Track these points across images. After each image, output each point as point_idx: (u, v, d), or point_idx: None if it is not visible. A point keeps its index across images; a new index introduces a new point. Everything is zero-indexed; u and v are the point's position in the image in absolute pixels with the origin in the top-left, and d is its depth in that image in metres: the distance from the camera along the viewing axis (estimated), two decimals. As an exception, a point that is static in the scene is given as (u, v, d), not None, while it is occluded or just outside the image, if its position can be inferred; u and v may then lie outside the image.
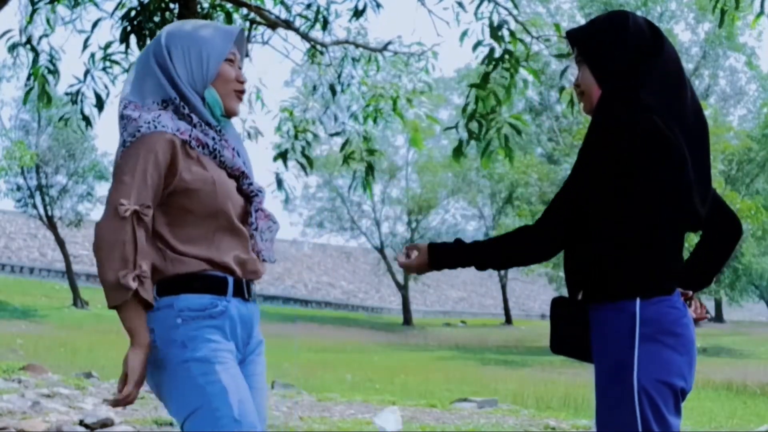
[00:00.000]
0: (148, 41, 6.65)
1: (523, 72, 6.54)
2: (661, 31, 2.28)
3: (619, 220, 2.18)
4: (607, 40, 2.22)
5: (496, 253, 2.33)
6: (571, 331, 2.28)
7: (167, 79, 2.27)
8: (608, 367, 2.21)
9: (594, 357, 2.26)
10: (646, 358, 2.16)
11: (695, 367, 2.25)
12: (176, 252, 2.23)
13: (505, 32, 6.34)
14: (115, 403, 2.16)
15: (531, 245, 2.27)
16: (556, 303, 2.33)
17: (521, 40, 6.45)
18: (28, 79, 7.04)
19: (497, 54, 6.32)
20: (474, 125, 6.42)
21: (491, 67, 6.32)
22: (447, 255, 2.38)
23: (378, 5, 7.51)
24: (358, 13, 7.56)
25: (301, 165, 7.70)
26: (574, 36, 2.32)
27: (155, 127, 2.18)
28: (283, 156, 7.41)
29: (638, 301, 2.18)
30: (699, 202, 2.24)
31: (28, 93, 7.27)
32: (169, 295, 2.22)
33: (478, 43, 6.35)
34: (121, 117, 2.26)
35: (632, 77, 2.17)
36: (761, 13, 6.02)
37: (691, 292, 2.40)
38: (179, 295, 2.23)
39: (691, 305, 2.37)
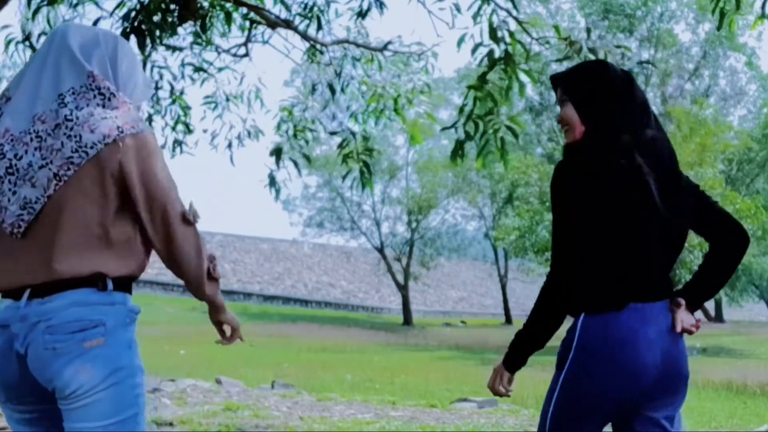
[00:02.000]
0: (148, 41, 6.66)
1: (521, 74, 6.52)
2: (633, 78, 2.59)
3: (583, 242, 2.40)
4: (591, 83, 2.53)
5: (546, 329, 2.51)
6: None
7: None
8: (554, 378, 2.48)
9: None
10: (571, 377, 2.40)
11: (646, 378, 2.36)
12: (139, 251, 2.25)
13: (505, 33, 6.33)
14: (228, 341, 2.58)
15: (563, 300, 2.45)
16: None
17: (520, 42, 6.45)
18: None
19: (496, 55, 6.31)
20: (471, 126, 6.41)
21: (488, 68, 6.31)
22: (518, 359, 2.65)
23: (382, 5, 7.51)
24: (362, 14, 7.56)
25: (295, 163, 7.70)
26: (558, 79, 2.60)
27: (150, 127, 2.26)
28: (277, 153, 7.41)
29: (582, 317, 2.39)
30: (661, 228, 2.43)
31: None
32: (123, 291, 2.20)
33: (478, 46, 6.34)
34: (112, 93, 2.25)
35: (612, 117, 2.46)
36: (762, 15, 6.01)
37: (682, 302, 2.47)
38: (127, 294, 2.22)
39: (676, 316, 2.44)
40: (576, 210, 2.40)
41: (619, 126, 2.44)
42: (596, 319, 2.36)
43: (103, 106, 2.18)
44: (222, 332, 2.53)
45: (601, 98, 2.49)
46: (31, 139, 2.14)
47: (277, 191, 7.53)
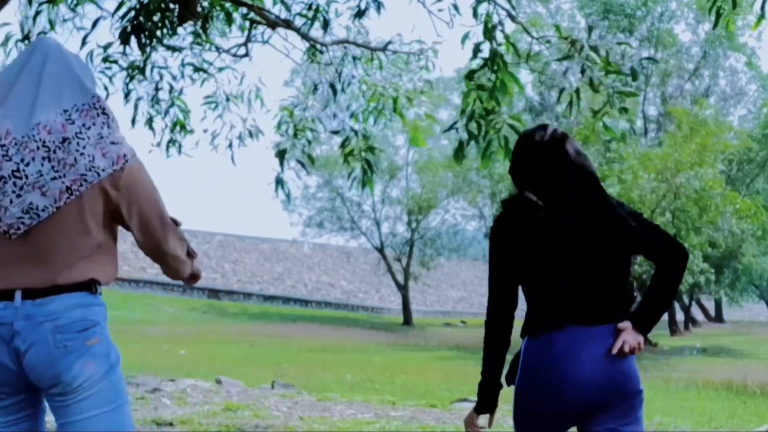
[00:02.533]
0: (148, 41, 6.66)
1: (515, 74, 6.52)
2: (530, 135, 2.85)
3: (521, 281, 2.79)
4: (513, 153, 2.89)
5: (501, 356, 2.93)
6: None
7: None
8: None
9: None
10: (518, 394, 2.75)
11: (583, 394, 2.62)
12: (116, 258, 2.51)
13: (498, 34, 6.33)
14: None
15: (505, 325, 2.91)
16: None
17: (512, 44, 6.45)
18: None
19: (487, 54, 6.30)
20: (473, 126, 6.41)
21: (487, 65, 6.30)
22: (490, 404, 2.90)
23: (380, 6, 7.50)
24: (360, 14, 7.55)
25: (301, 164, 7.69)
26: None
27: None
28: (281, 155, 7.40)
29: (525, 340, 2.79)
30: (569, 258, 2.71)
31: None
32: (100, 294, 2.45)
33: (478, 46, 6.33)
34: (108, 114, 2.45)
35: (516, 179, 2.83)
36: (762, 16, 6.00)
37: (626, 325, 2.66)
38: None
39: (618, 338, 2.63)
40: (510, 256, 2.73)
41: (521, 186, 2.78)
42: (536, 341, 2.72)
43: (108, 127, 2.42)
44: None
45: (512, 164, 2.87)
46: (38, 147, 2.31)
47: (287, 194, 7.51)
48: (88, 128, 2.37)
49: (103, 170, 2.36)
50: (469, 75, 6.41)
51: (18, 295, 2.32)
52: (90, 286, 2.38)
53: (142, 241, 2.52)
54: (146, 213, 2.47)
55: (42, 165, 2.30)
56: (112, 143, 2.40)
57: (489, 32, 6.23)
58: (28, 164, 2.30)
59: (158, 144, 7.90)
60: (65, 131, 2.34)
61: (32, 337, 2.31)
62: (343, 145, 7.75)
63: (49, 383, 2.35)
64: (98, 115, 2.41)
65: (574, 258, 2.67)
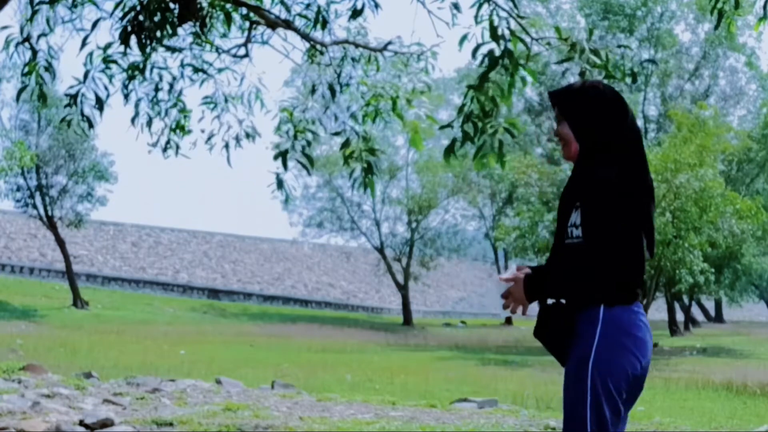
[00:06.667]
0: (148, 41, 6.66)
1: (522, 71, 6.50)
2: (622, 97, 2.85)
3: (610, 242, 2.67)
4: (584, 105, 2.81)
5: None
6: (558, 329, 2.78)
7: None
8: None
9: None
10: (598, 358, 2.65)
11: (647, 359, 2.73)
12: None
13: (505, 31, 6.31)
14: None
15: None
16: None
17: (521, 39, 6.42)
18: (23, 74, 7.02)
19: (497, 54, 6.29)
20: (469, 126, 6.39)
21: (489, 68, 6.29)
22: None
23: (376, 5, 7.49)
24: (356, 13, 7.54)
25: (303, 165, 7.68)
26: (554, 96, 2.89)
27: None
28: (282, 156, 7.39)
29: (602, 308, 2.68)
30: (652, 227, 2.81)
31: (21, 91, 7.25)
32: None
33: (478, 46, 6.32)
34: None
35: (603, 139, 2.76)
36: (764, 17, 5.99)
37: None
38: None
39: None
40: (618, 216, 2.66)
41: (611, 146, 2.75)
42: (615, 310, 2.67)
43: None
44: None
45: (594, 120, 2.78)
46: None
47: (287, 196, 7.50)
48: None
49: None
50: (483, 78, 6.38)
51: None
52: None
53: None
54: None
55: None
56: None
57: (494, 31, 6.22)
58: None
59: (155, 144, 7.88)
60: None
61: None
62: (343, 147, 7.74)
63: None
64: None
65: (646, 235, 2.77)
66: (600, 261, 2.62)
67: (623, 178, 2.67)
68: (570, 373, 2.71)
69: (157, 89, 7.73)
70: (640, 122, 34.61)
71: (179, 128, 7.94)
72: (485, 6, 6.32)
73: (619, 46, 6.68)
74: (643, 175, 2.76)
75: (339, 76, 8.05)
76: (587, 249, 2.65)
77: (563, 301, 2.76)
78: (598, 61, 6.19)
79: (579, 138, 2.80)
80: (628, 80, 6.56)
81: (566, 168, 27.97)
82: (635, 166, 2.74)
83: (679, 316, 35.49)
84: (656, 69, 33.99)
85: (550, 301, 2.78)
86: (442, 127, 7.14)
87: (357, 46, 8.12)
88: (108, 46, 7.06)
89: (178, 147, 7.99)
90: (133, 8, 6.67)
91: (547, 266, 2.85)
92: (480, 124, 6.34)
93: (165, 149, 7.95)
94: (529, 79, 6.73)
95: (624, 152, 2.74)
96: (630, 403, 2.74)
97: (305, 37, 7.75)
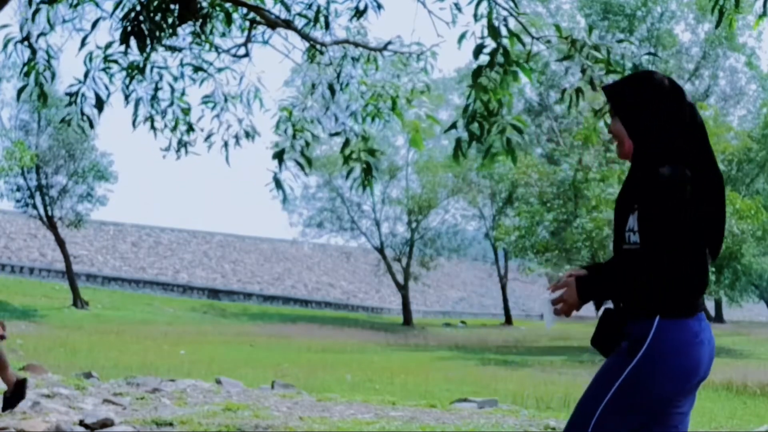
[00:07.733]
0: (149, 41, 6.65)
1: (515, 68, 6.48)
2: (680, 87, 2.61)
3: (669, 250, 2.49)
4: (637, 99, 2.57)
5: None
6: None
7: None
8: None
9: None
10: (638, 370, 2.53)
11: (695, 378, 2.66)
12: None
13: (503, 29, 6.30)
14: None
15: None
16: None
17: (518, 37, 6.41)
18: (21, 74, 7.02)
19: (491, 50, 6.27)
20: (475, 126, 6.38)
21: (489, 65, 6.27)
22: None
23: (379, 6, 7.49)
24: (359, 14, 7.54)
25: (300, 165, 7.67)
26: (608, 92, 2.67)
27: None
28: (279, 155, 7.39)
29: (658, 319, 2.52)
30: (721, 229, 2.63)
31: (21, 90, 7.25)
32: None
33: (480, 47, 6.30)
34: None
35: (660, 133, 2.53)
36: (764, 14, 5.99)
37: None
38: None
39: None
40: (679, 220, 2.48)
41: (670, 141, 2.52)
42: (671, 323, 2.52)
43: None
44: None
45: (645, 113, 2.55)
46: None
47: (284, 196, 7.48)
48: None
49: None
50: (476, 73, 6.36)
51: None
52: None
53: None
54: None
55: None
56: None
57: (493, 29, 6.21)
58: None
59: (167, 148, 7.88)
60: None
61: None
62: (343, 148, 7.73)
63: None
64: None
65: (715, 235, 2.65)
66: (657, 270, 2.45)
67: (684, 178, 2.45)
68: (604, 369, 2.60)
69: (156, 89, 7.73)
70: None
71: (185, 125, 7.94)
72: (483, 3, 6.31)
73: (620, 41, 6.67)
74: (709, 174, 2.53)
75: (339, 75, 8.05)
76: (644, 256, 2.48)
77: (621, 304, 2.61)
78: (599, 56, 6.17)
79: (631, 134, 2.58)
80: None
81: (566, 168, 27.98)
82: (699, 162, 2.51)
83: (679, 316, 35.42)
84: (656, 69, 33.96)
85: (606, 304, 2.65)
86: (447, 130, 7.12)
87: (357, 45, 8.12)
88: (108, 45, 7.06)
89: (186, 146, 7.99)
90: (133, 8, 6.66)
91: (604, 266, 2.68)
92: (486, 124, 6.32)
93: (178, 150, 7.94)
94: (525, 79, 6.72)
95: (685, 147, 2.51)
96: (685, 406, 2.71)
97: (305, 36, 7.75)
